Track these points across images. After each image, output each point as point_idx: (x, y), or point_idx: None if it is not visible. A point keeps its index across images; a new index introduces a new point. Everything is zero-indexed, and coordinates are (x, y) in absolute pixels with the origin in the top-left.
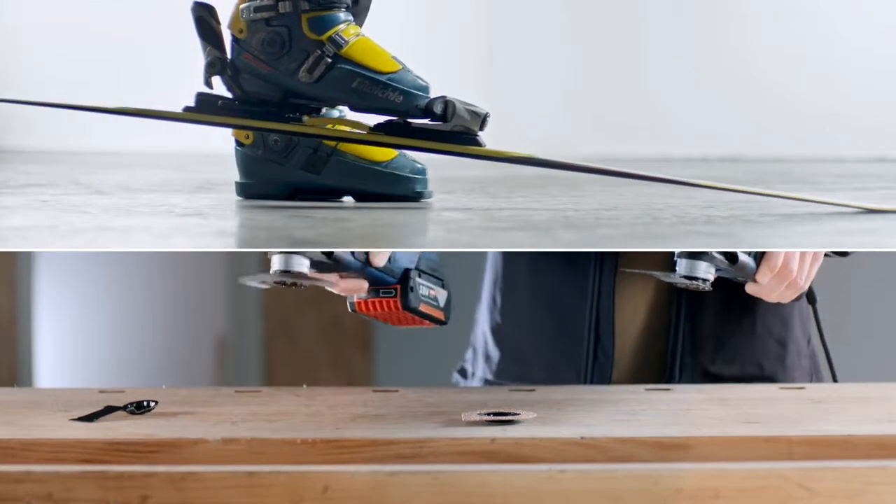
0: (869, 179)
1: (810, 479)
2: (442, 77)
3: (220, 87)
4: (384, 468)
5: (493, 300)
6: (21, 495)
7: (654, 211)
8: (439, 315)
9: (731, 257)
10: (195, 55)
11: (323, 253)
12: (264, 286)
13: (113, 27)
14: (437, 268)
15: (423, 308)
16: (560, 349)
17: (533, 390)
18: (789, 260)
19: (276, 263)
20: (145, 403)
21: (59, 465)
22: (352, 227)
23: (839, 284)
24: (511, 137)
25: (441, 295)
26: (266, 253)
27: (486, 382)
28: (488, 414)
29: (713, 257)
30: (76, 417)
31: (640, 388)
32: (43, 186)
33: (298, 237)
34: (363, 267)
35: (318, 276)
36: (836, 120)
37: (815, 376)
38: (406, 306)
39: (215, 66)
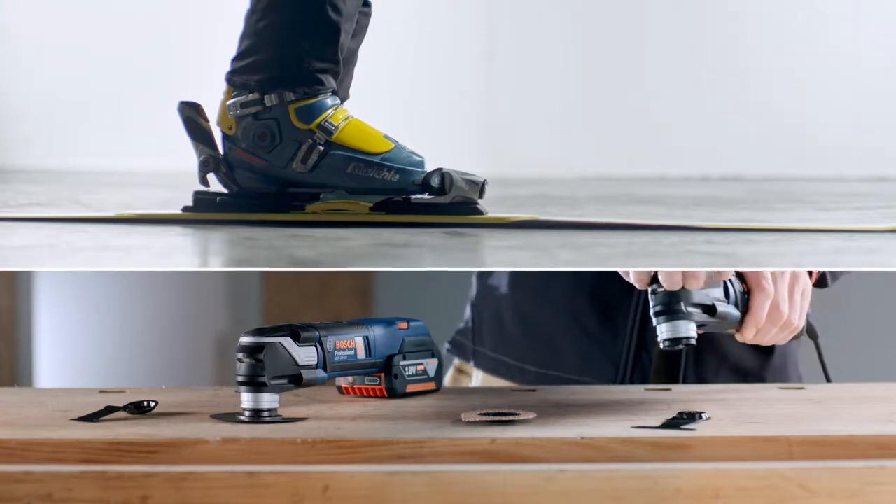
0: (869, 199)
1: (810, 479)
2: (441, 95)
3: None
4: (384, 468)
5: (521, 279)
6: (21, 495)
7: (653, 230)
8: (429, 386)
9: (710, 309)
10: (193, 77)
11: (290, 382)
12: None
13: (113, 48)
14: (427, 337)
15: (410, 389)
16: (598, 340)
17: (533, 390)
18: (779, 303)
19: (246, 402)
20: (145, 404)
21: (60, 466)
22: (351, 246)
23: (837, 285)
24: (510, 156)
25: (431, 365)
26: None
27: (499, 363)
28: (488, 414)
29: (690, 314)
30: (76, 417)
31: (640, 388)
32: (44, 206)
33: (299, 256)
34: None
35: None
36: (837, 139)
37: (800, 379)
38: (392, 394)
39: (209, 164)
